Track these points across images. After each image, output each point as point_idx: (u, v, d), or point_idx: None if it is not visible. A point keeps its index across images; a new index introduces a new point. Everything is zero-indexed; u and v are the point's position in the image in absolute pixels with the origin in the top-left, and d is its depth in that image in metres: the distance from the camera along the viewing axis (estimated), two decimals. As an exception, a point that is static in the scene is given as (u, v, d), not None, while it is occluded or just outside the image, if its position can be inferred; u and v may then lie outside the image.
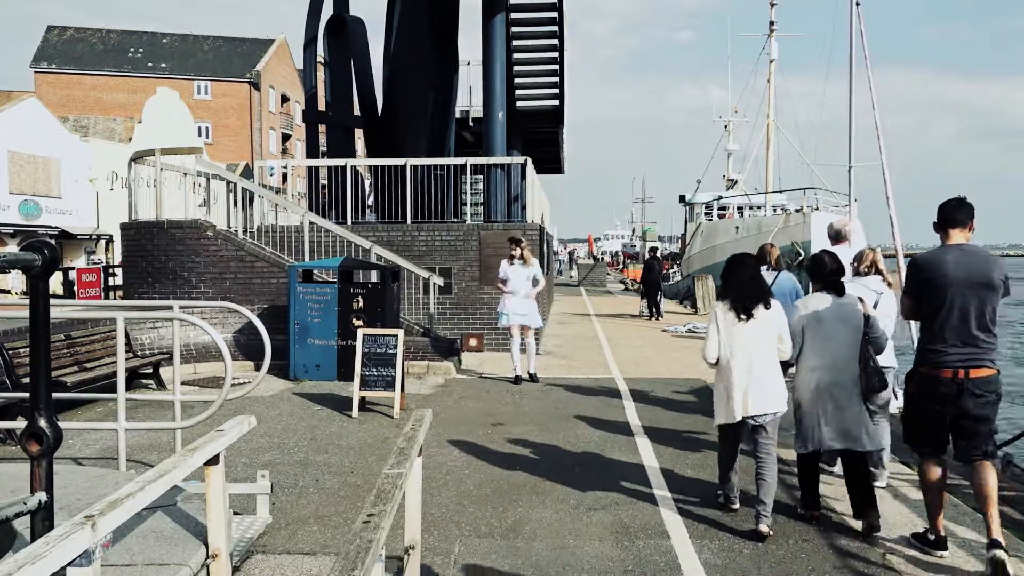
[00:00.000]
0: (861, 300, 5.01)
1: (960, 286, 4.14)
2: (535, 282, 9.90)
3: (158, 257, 11.88)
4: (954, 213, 4.34)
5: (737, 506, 5.17)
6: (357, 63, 17.17)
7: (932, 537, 4.40)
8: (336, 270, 10.45)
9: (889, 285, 5.76)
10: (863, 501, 4.80)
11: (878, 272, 5.77)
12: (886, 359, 5.56)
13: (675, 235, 61.04)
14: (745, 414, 4.80)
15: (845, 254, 5.76)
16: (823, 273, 5.03)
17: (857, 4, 16.09)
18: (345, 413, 8.05)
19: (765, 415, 4.82)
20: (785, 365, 5.14)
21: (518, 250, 9.80)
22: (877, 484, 5.36)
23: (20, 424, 5.33)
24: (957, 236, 4.33)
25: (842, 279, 5.08)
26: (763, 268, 6.61)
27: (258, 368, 9.31)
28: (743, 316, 4.84)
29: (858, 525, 4.84)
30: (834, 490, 5.54)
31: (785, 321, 4.94)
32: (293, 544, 4.54)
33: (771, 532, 4.67)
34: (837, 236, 6.58)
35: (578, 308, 22.25)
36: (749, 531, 4.73)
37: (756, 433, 4.90)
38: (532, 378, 9.96)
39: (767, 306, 4.87)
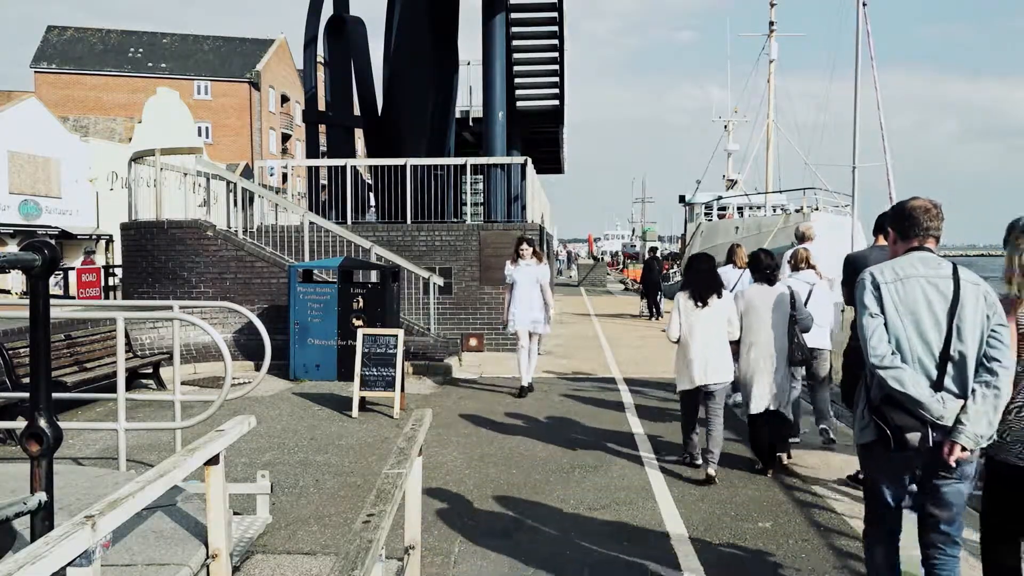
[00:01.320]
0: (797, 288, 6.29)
1: None
2: (541, 288, 9.02)
3: (158, 257, 11.88)
4: (879, 221, 5.21)
5: (700, 462, 6.04)
6: (357, 63, 17.17)
7: None
8: (336, 270, 10.45)
9: (820, 277, 6.95)
10: (773, 450, 6.01)
11: (811, 267, 6.97)
12: (817, 340, 6.70)
13: (675, 235, 61.03)
14: (701, 382, 5.87)
15: (816, 252, 7.24)
16: (760, 268, 6.09)
17: (864, 4, 16.08)
18: (345, 413, 8.04)
19: (717, 384, 5.91)
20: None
21: (525, 249, 9.02)
22: (792, 440, 6.58)
23: (20, 424, 5.33)
24: (881, 241, 5.04)
25: (776, 273, 6.14)
26: (730, 266, 8.87)
27: (258, 368, 9.32)
28: (700, 303, 5.88)
29: (859, 527, 4.84)
30: (835, 489, 5.54)
31: (734, 308, 5.96)
32: (293, 544, 4.54)
33: (717, 474, 5.76)
34: (802, 237, 7.60)
35: (578, 308, 22.25)
36: (703, 479, 5.76)
37: (708, 399, 5.98)
38: (529, 387, 9.24)
39: (719, 295, 5.92)
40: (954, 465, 2.92)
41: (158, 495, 2.80)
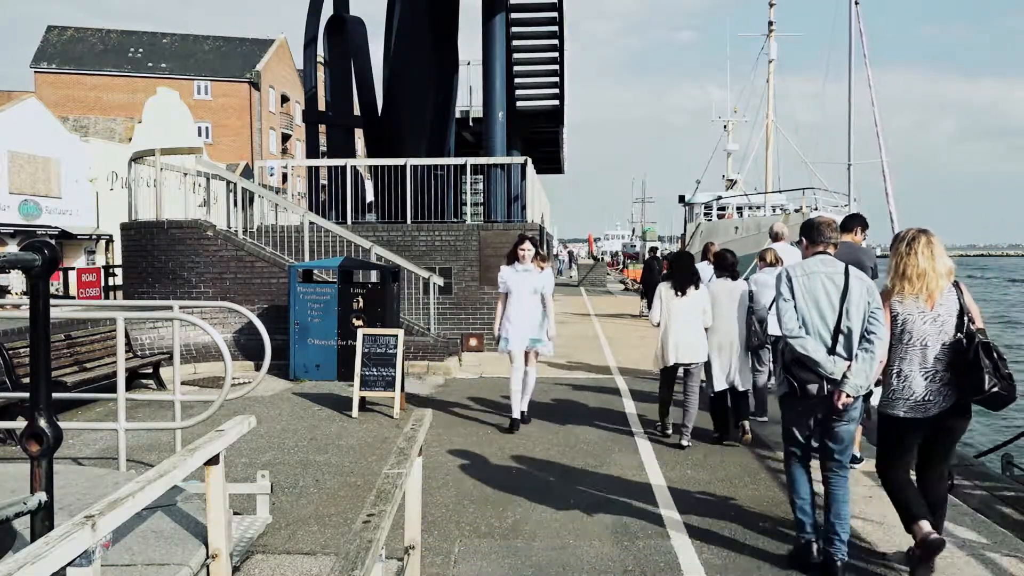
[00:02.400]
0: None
1: None
2: (542, 298, 7.41)
3: (158, 257, 11.88)
4: (846, 221, 6.29)
5: (671, 432, 7.13)
6: (357, 63, 17.17)
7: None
8: (336, 270, 10.45)
9: None
10: (734, 422, 6.96)
11: (779, 263, 7.69)
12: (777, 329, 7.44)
13: (675, 235, 61.02)
14: (677, 361, 6.80)
15: (785, 251, 8.00)
16: (725, 265, 7.17)
17: (856, 3, 16.09)
18: (345, 413, 8.04)
19: (692, 363, 6.85)
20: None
21: (527, 251, 7.36)
22: (761, 419, 7.59)
23: (20, 424, 5.33)
24: (847, 236, 6.09)
25: (736, 270, 7.15)
26: (705, 262, 9.32)
27: (258, 368, 9.32)
28: (679, 293, 6.82)
29: (861, 530, 4.84)
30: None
31: (708, 298, 6.91)
32: (293, 544, 4.54)
33: (690, 444, 6.76)
34: (776, 236, 8.26)
35: (578, 308, 22.24)
36: (674, 444, 6.82)
37: (686, 376, 6.94)
38: (522, 418, 7.50)
39: (696, 287, 6.86)
40: (842, 409, 4.08)
41: (158, 495, 2.80)
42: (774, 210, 29.49)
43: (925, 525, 4.05)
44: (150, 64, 52.59)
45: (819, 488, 4.30)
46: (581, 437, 7.15)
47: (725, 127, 43.97)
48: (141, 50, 53.54)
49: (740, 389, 6.90)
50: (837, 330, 4.08)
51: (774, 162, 38.25)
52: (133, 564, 3.48)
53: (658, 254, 25.80)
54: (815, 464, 4.36)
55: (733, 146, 43.63)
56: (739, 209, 33.72)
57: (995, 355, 3.98)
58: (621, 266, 58.18)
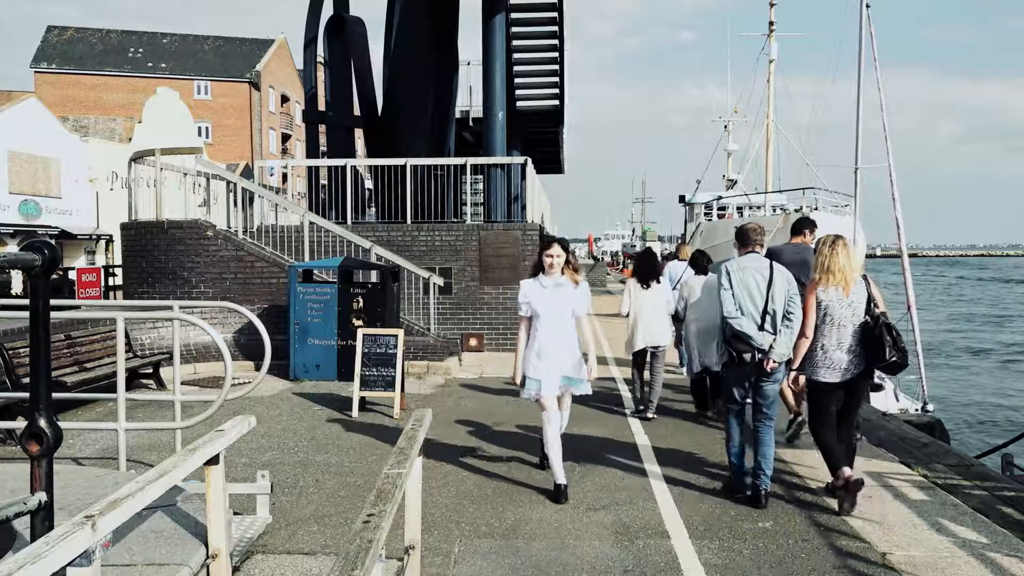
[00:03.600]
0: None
1: (794, 267, 5.84)
2: (577, 323, 5.62)
3: (158, 257, 11.88)
4: (796, 225, 7.13)
5: (643, 408, 7.93)
6: (357, 63, 17.16)
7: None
8: (336, 270, 10.44)
9: None
10: (712, 400, 7.78)
11: None
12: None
13: (675, 235, 61.04)
14: (645, 344, 7.86)
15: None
16: (699, 264, 8.33)
17: (867, 6, 16.05)
18: (345, 413, 8.04)
19: (658, 346, 7.93)
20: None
21: (556, 258, 5.47)
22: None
23: (20, 424, 5.33)
24: (796, 239, 6.99)
25: (708, 267, 8.14)
26: (675, 260, 10.72)
27: (258, 368, 9.32)
28: (645, 286, 7.86)
29: (861, 530, 4.84)
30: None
31: (670, 290, 8.18)
32: (293, 544, 4.54)
33: (654, 417, 7.77)
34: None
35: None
36: (644, 418, 7.80)
37: (653, 359, 7.99)
38: (558, 490, 5.42)
39: (659, 281, 7.94)
40: (770, 372, 5.21)
41: (158, 495, 2.80)
42: (774, 210, 29.46)
43: (847, 470, 5.12)
44: (150, 64, 52.60)
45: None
46: (581, 436, 7.14)
47: (725, 127, 43.97)
48: (141, 50, 53.55)
49: (715, 371, 7.15)
50: (764, 312, 5.23)
51: (774, 162, 38.23)
52: (133, 564, 3.48)
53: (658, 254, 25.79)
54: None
55: (733, 146, 43.63)
56: (739, 209, 33.70)
57: (894, 332, 5.09)
58: (621, 266, 58.20)
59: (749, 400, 5.42)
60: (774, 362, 5.15)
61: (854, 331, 5.13)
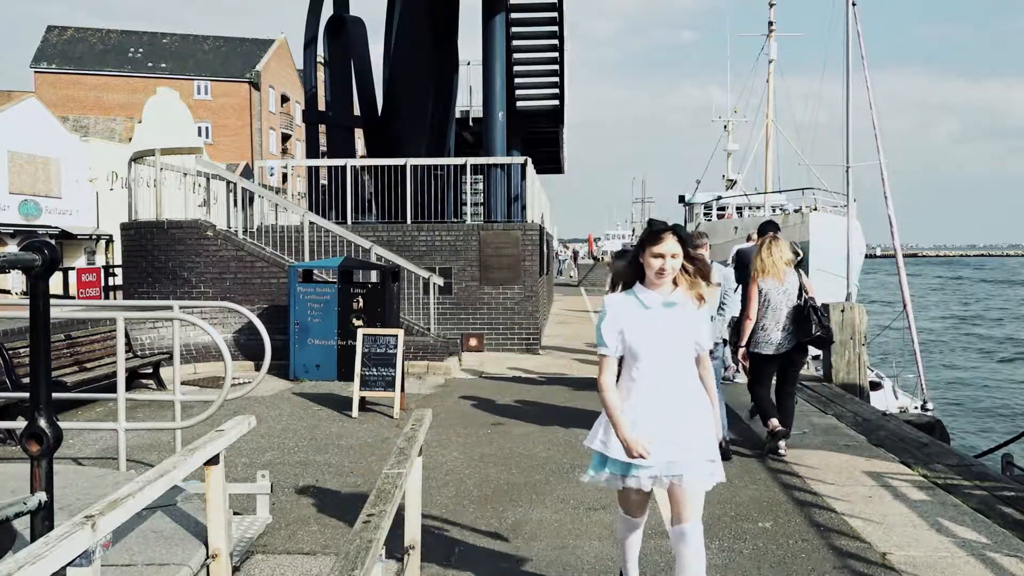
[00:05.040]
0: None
1: None
2: (698, 360, 3.47)
3: (158, 257, 11.88)
4: (761, 227, 7.35)
5: None
6: (357, 63, 17.16)
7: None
8: (336, 270, 10.45)
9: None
10: None
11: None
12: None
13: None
14: None
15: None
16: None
17: (853, 4, 16.06)
18: (345, 413, 8.04)
19: None
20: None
21: (670, 257, 3.29)
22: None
23: (20, 424, 5.32)
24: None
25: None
26: None
27: (258, 368, 9.32)
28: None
29: (861, 530, 4.85)
30: (836, 489, 5.55)
31: None
32: (293, 544, 4.54)
33: None
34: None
35: (578, 307, 22.26)
36: None
37: None
38: None
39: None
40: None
41: (158, 495, 2.80)
42: (774, 210, 29.48)
43: (774, 421, 6.33)
44: (150, 64, 52.61)
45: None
46: (581, 436, 7.14)
47: (725, 127, 43.97)
48: (141, 50, 53.56)
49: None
50: None
51: (774, 162, 38.25)
52: (133, 564, 3.48)
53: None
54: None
55: (733, 146, 43.63)
56: (739, 209, 33.73)
57: (819, 313, 6.30)
58: (621, 266, 58.08)
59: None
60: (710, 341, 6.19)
61: (788, 312, 6.31)
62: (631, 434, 3.25)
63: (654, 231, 3.34)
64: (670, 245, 3.29)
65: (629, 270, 3.48)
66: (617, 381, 3.42)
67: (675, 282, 3.35)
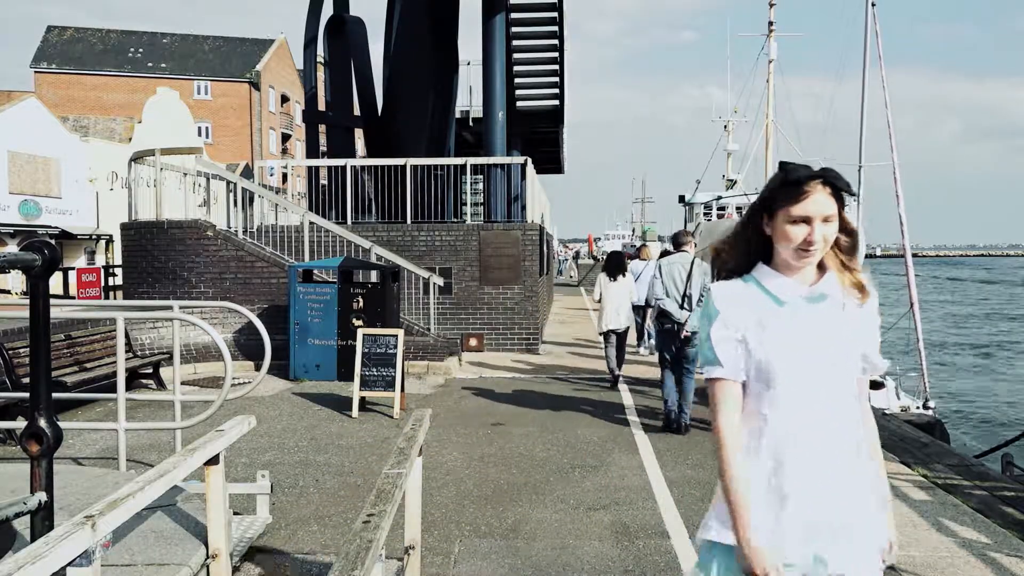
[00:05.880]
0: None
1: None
2: (860, 389, 2.08)
3: (158, 257, 11.88)
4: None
5: (619, 374, 9.75)
6: (357, 63, 17.15)
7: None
8: (336, 270, 10.44)
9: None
10: (620, 361, 9.75)
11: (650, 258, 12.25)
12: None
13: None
14: (609, 328, 9.48)
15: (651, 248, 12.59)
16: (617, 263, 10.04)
17: (873, 5, 16.06)
18: (345, 413, 8.04)
19: (621, 328, 9.50)
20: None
21: (819, 222, 1.92)
22: (642, 353, 12.14)
23: (20, 424, 5.32)
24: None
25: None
26: (638, 259, 12.73)
27: (258, 368, 9.32)
28: (612, 278, 9.50)
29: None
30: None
31: (633, 282, 9.98)
32: (293, 544, 4.54)
33: (620, 374, 9.75)
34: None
35: (578, 306, 22.25)
36: (612, 380, 9.70)
37: (619, 339, 9.64)
38: None
39: (624, 275, 9.63)
40: (685, 338, 7.13)
41: (158, 495, 2.80)
42: (774, 210, 29.43)
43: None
44: (150, 64, 52.59)
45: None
46: (582, 436, 7.15)
47: (725, 127, 43.95)
48: (141, 50, 53.53)
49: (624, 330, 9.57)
50: (684, 295, 7.19)
51: (774, 162, 38.19)
52: (133, 564, 3.48)
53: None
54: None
55: (733, 146, 43.61)
56: (739, 209, 33.66)
57: None
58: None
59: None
60: (687, 332, 7.07)
61: None
62: (757, 542, 1.90)
63: (792, 179, 1.96)
64: (821, 203, 1.94)
65: (741, 244, 2.14)
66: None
67: (819, 265, 2.04)
